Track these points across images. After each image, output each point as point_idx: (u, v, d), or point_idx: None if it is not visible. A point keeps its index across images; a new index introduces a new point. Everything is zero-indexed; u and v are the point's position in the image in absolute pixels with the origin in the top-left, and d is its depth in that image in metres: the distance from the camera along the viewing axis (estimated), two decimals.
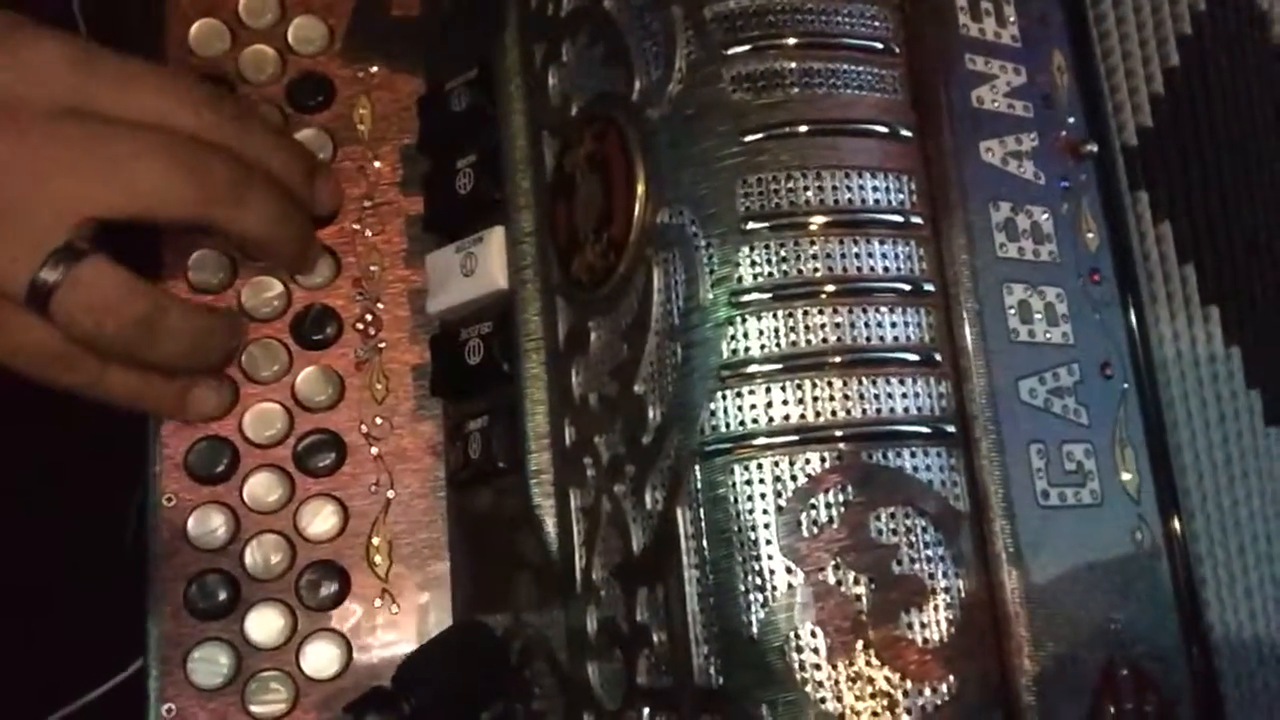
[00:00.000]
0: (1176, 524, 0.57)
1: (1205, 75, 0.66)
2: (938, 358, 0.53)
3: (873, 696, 0.49)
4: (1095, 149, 0.59)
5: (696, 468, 0.52)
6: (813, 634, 0.50)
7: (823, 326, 0.52)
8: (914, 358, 0.53)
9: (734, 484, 0.51)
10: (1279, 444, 0.63)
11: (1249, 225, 0.66)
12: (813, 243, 0.53)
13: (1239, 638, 0.59)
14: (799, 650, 0.49)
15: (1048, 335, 0.56)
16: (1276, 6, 0.70)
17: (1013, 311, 0.55)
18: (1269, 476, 0.62)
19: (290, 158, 0.67)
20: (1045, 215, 0.57)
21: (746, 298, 0.52)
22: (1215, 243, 0.64)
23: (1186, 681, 0.55)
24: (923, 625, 0.50)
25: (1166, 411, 0.59)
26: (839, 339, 0.52)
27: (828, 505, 0.51)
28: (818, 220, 0.53)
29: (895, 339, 0.53)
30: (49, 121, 0.60)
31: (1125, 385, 0.57)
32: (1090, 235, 0.58)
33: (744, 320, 0.52)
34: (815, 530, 0.50)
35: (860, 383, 0.52)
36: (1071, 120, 0.59)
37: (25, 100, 0.59)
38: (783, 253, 0.53)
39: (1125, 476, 0.56)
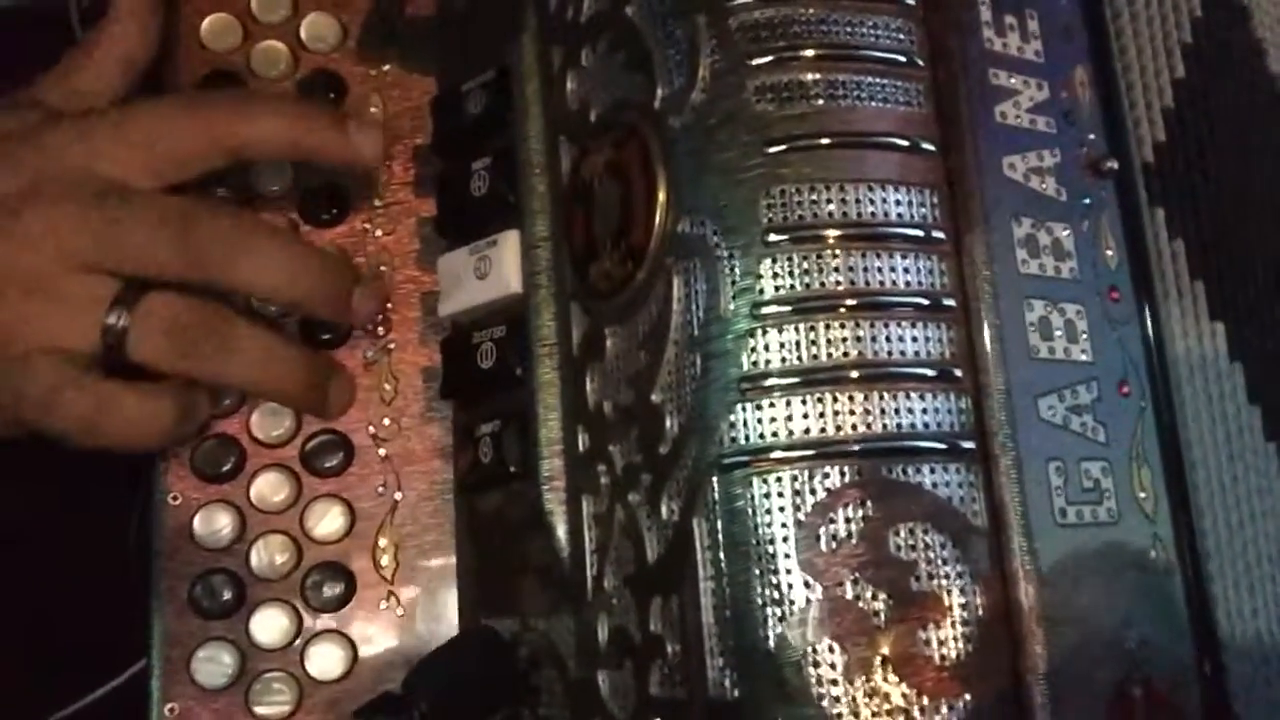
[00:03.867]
0: (1191, 542, 0.57)
1: (1209, 85, 0.66)
2: (957, 373, 0.53)
3: (889, 713, 0.49)
4: (1116, 165, 0.59)
5: (714, 480, 0.52)
6: (830, 649, 0.49)
7: (843, 340, 0.52)
8: (933, 373, 0.53)
9: (752, 497, 0.51)
10: (1276, 460, 0.63)
11: (1254, 240, 0.66)
12: (834, 256, 0.53)
13: (1251, 656, 0.59)
14: (815, 665, 0.49)
15: (1067, 352, 0.56)
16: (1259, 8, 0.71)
17: (1033, 328, 0.55)
18: (1269, 493, 0.62)
19: (316, 281, 0.66)
20: (1066, 232, 0.57)
21: (767, 310, 0.52)
22: (1220, 257, 0.64)
23: (1200, 700, 0.55)
24: (940, 642, 0.50)
25: (1181, 430, 0.59)
26: (859, 353, 0.52)
27: (846, 520, 0.51)
28: (839, 233, 0.53)
29: (915, 354, 0.53)
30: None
31: (1143, 404, 0.57)
32: (1110, 253, 0.58)
33: (764, 332, 0.52)
34: (834, 545, 0.50)
35: (880, 397, 0.52)
36: (1092, 136, 0.59)
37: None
38: (804, 265, 0.52)
39: (1141, 495, 0.56)
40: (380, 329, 0.72)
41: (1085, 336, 0.56)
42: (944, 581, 0.50)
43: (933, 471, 0.51)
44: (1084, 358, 0.56)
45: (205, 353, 0.62)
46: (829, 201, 0.53)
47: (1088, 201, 0.58)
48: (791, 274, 0.52)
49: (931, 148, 0.55)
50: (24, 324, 0.60)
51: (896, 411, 0.52)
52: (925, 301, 0.53)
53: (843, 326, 0.52)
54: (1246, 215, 0.66)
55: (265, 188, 0.72)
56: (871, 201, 0.53)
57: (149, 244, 0.61)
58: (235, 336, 0.63)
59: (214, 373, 0.63)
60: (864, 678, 0.49)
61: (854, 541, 0.50)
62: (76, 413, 0.61)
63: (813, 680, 0.49)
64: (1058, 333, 0.56)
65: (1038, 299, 0.55)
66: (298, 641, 0.68)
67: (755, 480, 0.51)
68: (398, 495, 0.70)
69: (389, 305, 0.72)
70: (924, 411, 0.52)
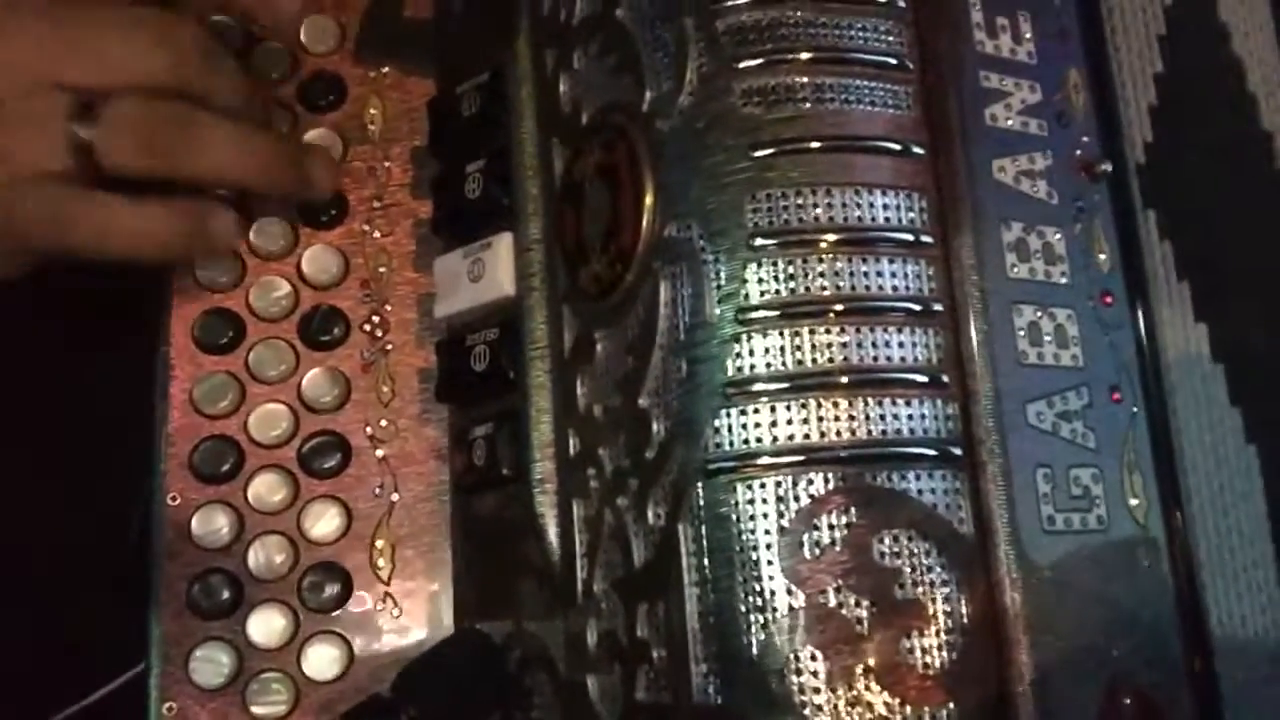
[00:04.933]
0: (1184, 548, 0.56)
1: (1183, 77, 0.65)
2: (945, 379, 0.53)
3: None
4: (1110, 168, 0.58)
5: (699, 485, 0.52)
6: (813, 657, 0.49)
7: (829, 346, 0.52)
8: (921, 379, 0.52)
9: (737, 503, 0.51)
10: (1256, 461, 0.63)
11: (1231, 238, 0.66)
12: (821, 260, 0.52)
13: (1242, 661, 0.58)
14: (798, 673, 0.49)
15: (1057, 358, 0.55)
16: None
17: (1022, 333, 0.54)
18: (1252, 496, 0.62)
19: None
20: (1057, 235, 0.57)
21: (753, 315, 0.52)
22: (1204, 257, 0.63)
23: (1190, 709, 0.54)
24: (924, 650, 0.50)
25: (1175, 435, 0.58)
26: (846, 358, 0.52)
27: (831, 527, 0.50)
28: (827, 238, 0.52)
29: (903, 359, 0.52)
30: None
31: (1135, 409, 0.56)
32: (1103, 256, 0.58)
33: (750, 337, 0.52)
34: (817, 552, 0.50)
35: (866, 403, 0.51)
36: (1086, 139, 0.59)
37: None
38: (791, 270, 0.52)
39: (1133, 501, 0.55)
40: (378, 330, 0.72)
41: (1076, 341, 0.56)
42: (929, 589, 0.50)
43: (919, 478, 0.51)
44: (1074, 363, 0.55)
45: (175, 149, 0.62)
46: (816, 205, 0.53)
47: (1080, 204, 0.58)
48: (778, 278, 0.52)
49: (920, 151, 0.54)
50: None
51: (883, 418, 0.51)
52: (913, 307, 0.53)
53: (829, 331, 0.52)
54: (1222, 210, 0.65)
55: None
56: (859, 206, 0.53)
57: (128, 54, 0.61)
58: (203, 129, 0.63)
59: (188, 168, 0.63)
60: (847, 686, 0.49)
61: (838, 548, 0.50)
62: (87, 223, 0.62)
63: (795, 688, 0.49)
64: (1047, 338, 0.55)
65: (1027, 304, 0.55)
66: (295, 642, 0.68)
67: (740, 486, 0.51)
68: (394, 496, 0.70)
69: (387, 307, 0.72)
70: (911, 418, 0.52)
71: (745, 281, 0.52)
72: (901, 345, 0.52)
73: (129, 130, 0.61)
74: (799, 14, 0.54)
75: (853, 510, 0.50)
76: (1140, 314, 0.58)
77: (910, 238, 0.53)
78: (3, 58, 0.60)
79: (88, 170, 0.61)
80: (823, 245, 0.52)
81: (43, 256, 0.64)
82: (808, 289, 0.52)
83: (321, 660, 0.68)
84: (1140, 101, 0.63)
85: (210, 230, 0.66)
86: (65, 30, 0.61)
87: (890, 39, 0.55)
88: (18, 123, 0.60)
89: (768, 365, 0.52)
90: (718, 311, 0.53)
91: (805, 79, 0.54)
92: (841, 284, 0.52)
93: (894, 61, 0.55)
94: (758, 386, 0.52)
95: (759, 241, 0.52)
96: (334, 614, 0.69)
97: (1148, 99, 0.63)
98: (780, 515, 0.50)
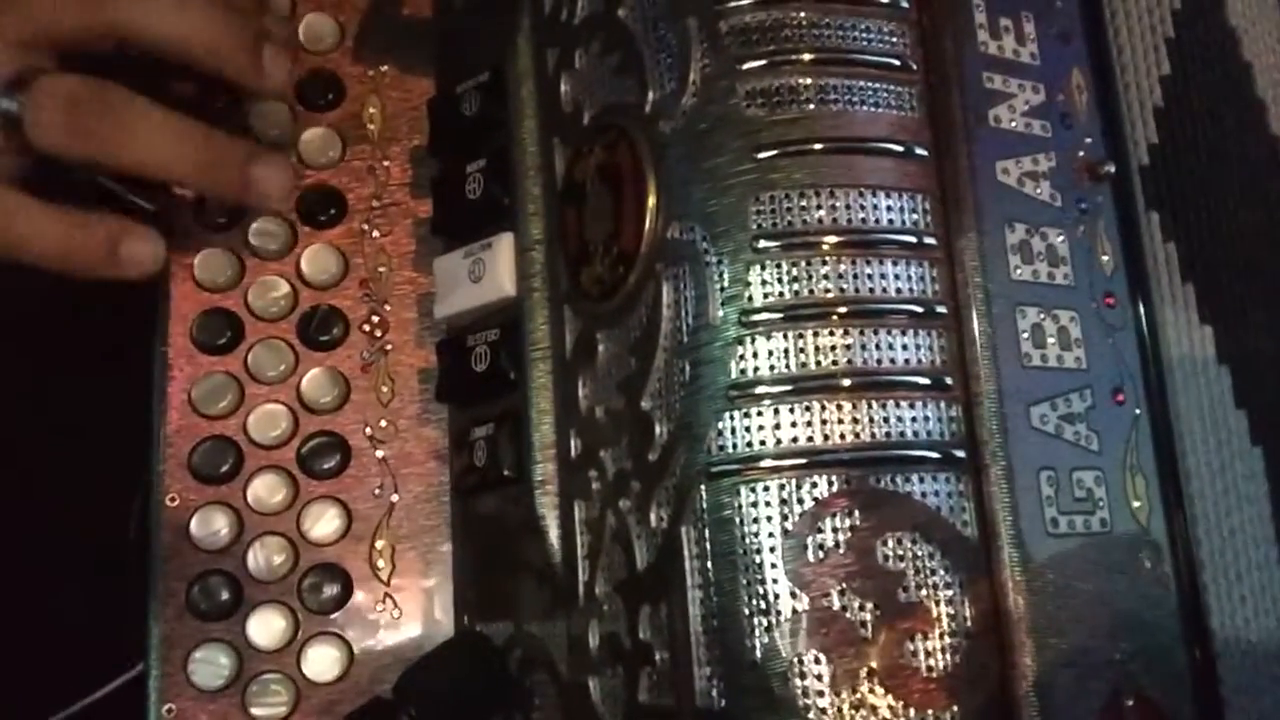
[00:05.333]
0: (1186, 550, 0.56)
1: (1190, 80, 0.65)
2: (949, 381, 0.53)
3: None
4: (1113, 169, 0.58)
5: (702, 488, 0.52)
6: (816, 660, 0.49)
7: (833, 348, 0.52)
8: (925, 381, 0.52)
9: (740, 505, 0.51)
10: (1261, 464, 0.63)
11: (1237, 240, 0.66)
12: (824, 263, 0.52)
13: (1244, 663, 0.58)
14: (802, 676, 0.49)
15: (1060, 360, 0.55)
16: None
17: (1026, 335, 0.54)
18: (1257, 498, 0.62)
19: None
20: (1061, 237, 0.56)
21: (757, 317, 0.52)
22: (1209, 259, 0.63)
23: (1192, 711, 0.54)
24: (927, 653, 0.50)
25: (1177, 438, 0.58)
26: (849, 361, 0.52)
27: (834, 530, 0.50)
28: (830, 240, 0.52)
29: (906, 362, 0.52)
30: None
31: (1137, 411, 0.56)
32: (1106, 258, 0.58)
33: (754, 340, 0.52)
34: (821, 555, 0.50)
35: (870, 406, 0.51)
36: (1089, 140, 0.59)
37: None
38: (794, 272, 0.52)
39: (1135, 504, 0.55)
40: (377, 330, 0.72)
41: (1079, 343, 0.56)
42: (932, 592, 0.50)
43: (922, 481, 0.51)
44: (1078, 365, 0.55)
45: (104, 132, 0.60)
46: (819, 208, 0.52)
47: (1083, 206, 0.58)
48: (781, 281, 0.52)
49: (924, 153, 0.54)
50: None
51: (886, 420, 0.51)
52: (916, 309, 0.53)
53: (833, 334, 0.52)
54: (1229, 213, 0.65)
55: None
56: (863, 208, 0.53)
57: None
58: (134, 114, 0.61)
59: (116, 153, 0.61)
60: (851, 689, 0.49)
61: (842, 551, 0.50)
62: None
63: (799, 691, 0.49)
64: (1050, 340, 0.55)
65: (1030, 305, 0.55)
66: (295, 643, 0.68)
67: (743, 489, 0.51)
68: (394, 497, 0.70)
69: (387, 307, 0.72)
70: (914, 420, 0.52)
71: (749, 284, 0.52)
72: (905, 347, 0.52)
73: (56, 105, 0.59)
74: (802, 15, 0.54)
75: (856, 513, 0.50)
76: (1142, 316, 0.58)
77: (913, 239, 0.53)
78: None
79: (16, 148, 0.59)
80: (826, 247, 0.52)
81: None
82: (811, 291, 0.52)
83: (321, 661, 0.68)
84: (1145, 103, 0.62)
85: (122, 253, 0.62)
86: None
87: (894, 40, 0.55)
88: None
89: (771, 368, 0.52)
90: (721, 314, 0.52)
91: (809, 80, 0.54)
92: (845, 286, 0.52)
93: (897, 63, 0.55)
94: (761, 389, 0.52)
95: (762, 243, 0.52)
96: (334, 615, 0.68)
97: (1153, 101, 0.63)
98: (784, 518, 0.50)
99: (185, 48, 0.62)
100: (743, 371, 0.52)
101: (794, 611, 0.50)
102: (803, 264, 0.52)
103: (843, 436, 0.51)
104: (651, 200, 0.55)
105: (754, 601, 0.50)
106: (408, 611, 0.69)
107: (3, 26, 0.59)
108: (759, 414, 0.51)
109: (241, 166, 0.63)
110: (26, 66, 0.59)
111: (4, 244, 0.60)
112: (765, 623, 0.50)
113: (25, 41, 0.60)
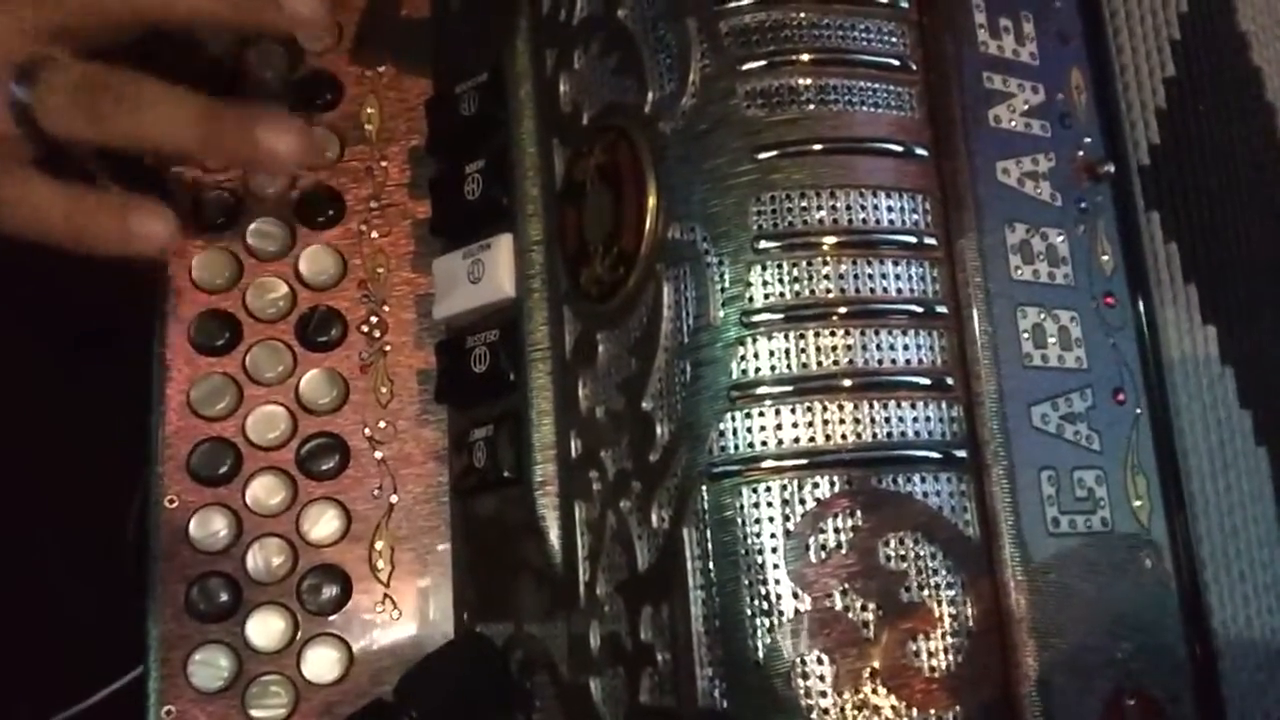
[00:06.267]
0: (1187, 550, 0.56)
1: (1197, 82, 0.65)
2: (949, 382, 0.53)
3: None
4: (1113, 169, 0.58)
5: (704, 488, 0.52)
6: (819, 661, 0.49)
7: (834, 349, 0.52)
8: (925, 381, 0.52)
9: (742, 506, 0.51)
10: (1266, 464, 0.63)
11: (1242, 241, 0.66)
12: (825, 263, 0.52)
13: (1246, 662, 0.58)
14: (804, 677, 0.49)
15: (1061, 360, 0.55)
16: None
17: (1026, 335, 0.54)
18: (1261, 498, 0.62)
19: None
20: (1061, 237, 0.57)
21: (757, 318, 0.52)
22: (1211, 259, 0.63)
23: (1193, 710, 0.54)
24: (929, 653, 0.50)
25: (1178, 437, 0.58)
26: (850, 361, 0.52)
27: (836, 530, 0.50)
28: (830, 240, 0.52)
29: (907, 362, 0.52)
30: None
31: (1138, 410, 0.57)
32: (1105, 258, 0.58)
33: (754, 340, 0.52)
34: (823, 555, 0.50)
35: (871, 406, 0.51)
36: (1089, 140, 0.59)
37: None
38: (795, 273, 0.52)
39: (1136, 503, 0.55)
40: (376, 331, 0.72)
41: (1079, 343, 0.56)
42: (934, 592, 0.50)
43: (924, 481, 0.51)
44: (1078, 365, 0.55)
45: (113, 113, 0.61)
46: (820, 208, 0.52)
47: (1083, 206, 0.58)
48: (782, 281, 0.52)
49: (924, 153, 0.54)
50: None
51: (888, 420, 0.51)
52: (917, 309, 0.53)
53: (833, 334, 0.52)
54: (1235, 215, 0.65)
55: (261, 190, 0.72)
56: (863, 208, 0.53)
57: None
58: (141, 92, 0.61)
59: (126, 132, 0.61)
60: (853, 689, 0.49)
61: (844, 552, 0.50)
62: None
63: (802, 692, 0.49)
64: (1051, 340, 0.55)
65: (1031, 305, 0.55)
66: (294, 644, 0.68)
67: (745, 489, 0.51)
68: (393, 498, 0.70)
69: (385, 308, 0.72)
70: (915, 420, 0.52)
71: (749, 285, 0.52)
72: (905, 348, 0.52)
73: (64, 91, 0.60)
74: (802, 15, 0.54)
75: (858, 513, 0.50)
76: (1142, 315, 0.58)
77: (914, 240, 0.53)
78: None
79: (30, 134, 0.60)
80: (826, 247, 0.52)
81: None
82: (812, 291, 0.52)
83: (321, 663, 0.68)
84: (1147, 104, 0.62)
85: (133, 229, 0.62)
86: None
87: (893, 40, 0.55)
88: None
89: (772, 368, 0.52)
90: (721, 314, 0.52)
91: (809, 80, 0.54)
92: (845, 286, 0.52)
93: (897, 63, 0.55)
94: (762, 389, 0.52)
95: (763, 244, 0.52)
96: (333, 616, 0.68)
97: (1155, 101, 0.63)
98: (785, 518, 0.50)
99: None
100: (744, 372, 0.52)
101: (796, 612, 0.50)
102: (803, 264, 0.52)
103: (844, 437, 0.51)
104: (651, 201, 0.55)
105: (756, 602, 0.50)
106: (407, 612, 0.69)
107: (22, 17, 0.60)
108: (760, 414, 0.51)
109: (244, 133, 0.63)
110: (36, 54, 0.60)
111: (20, 221, 0.61)
112: (767, 623, 0.50)
113: (51, 31, 0.60)
